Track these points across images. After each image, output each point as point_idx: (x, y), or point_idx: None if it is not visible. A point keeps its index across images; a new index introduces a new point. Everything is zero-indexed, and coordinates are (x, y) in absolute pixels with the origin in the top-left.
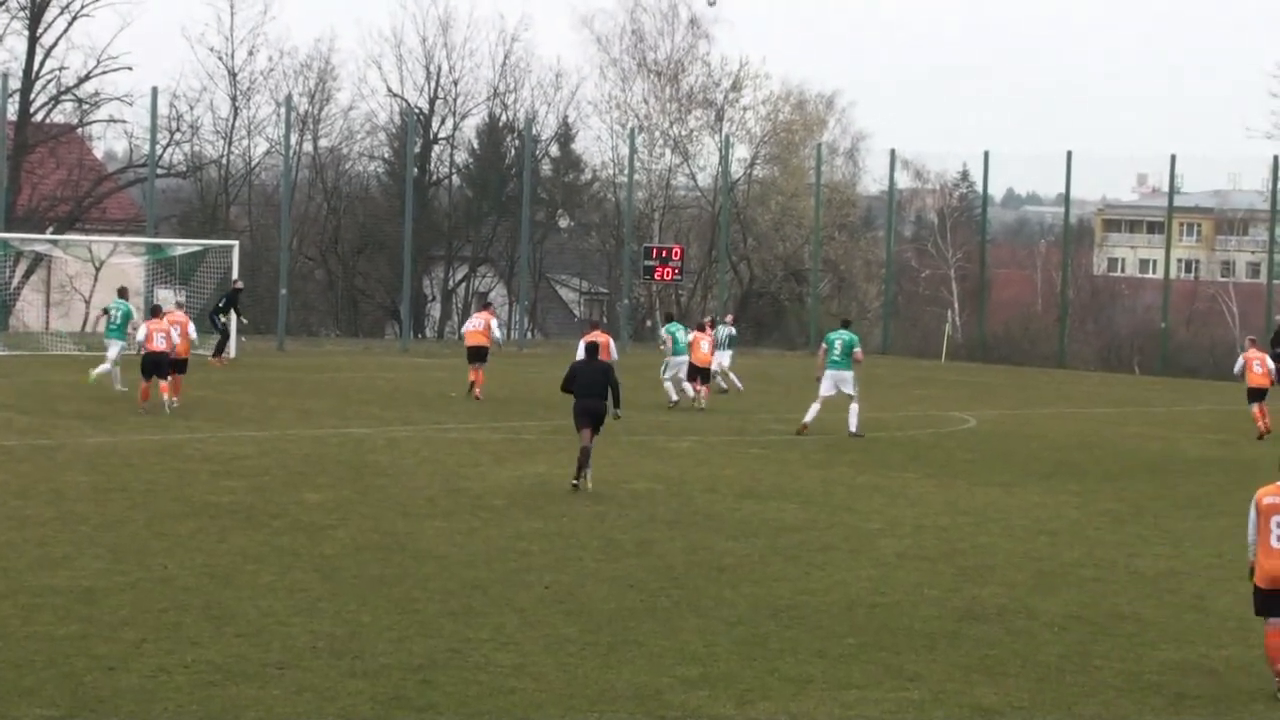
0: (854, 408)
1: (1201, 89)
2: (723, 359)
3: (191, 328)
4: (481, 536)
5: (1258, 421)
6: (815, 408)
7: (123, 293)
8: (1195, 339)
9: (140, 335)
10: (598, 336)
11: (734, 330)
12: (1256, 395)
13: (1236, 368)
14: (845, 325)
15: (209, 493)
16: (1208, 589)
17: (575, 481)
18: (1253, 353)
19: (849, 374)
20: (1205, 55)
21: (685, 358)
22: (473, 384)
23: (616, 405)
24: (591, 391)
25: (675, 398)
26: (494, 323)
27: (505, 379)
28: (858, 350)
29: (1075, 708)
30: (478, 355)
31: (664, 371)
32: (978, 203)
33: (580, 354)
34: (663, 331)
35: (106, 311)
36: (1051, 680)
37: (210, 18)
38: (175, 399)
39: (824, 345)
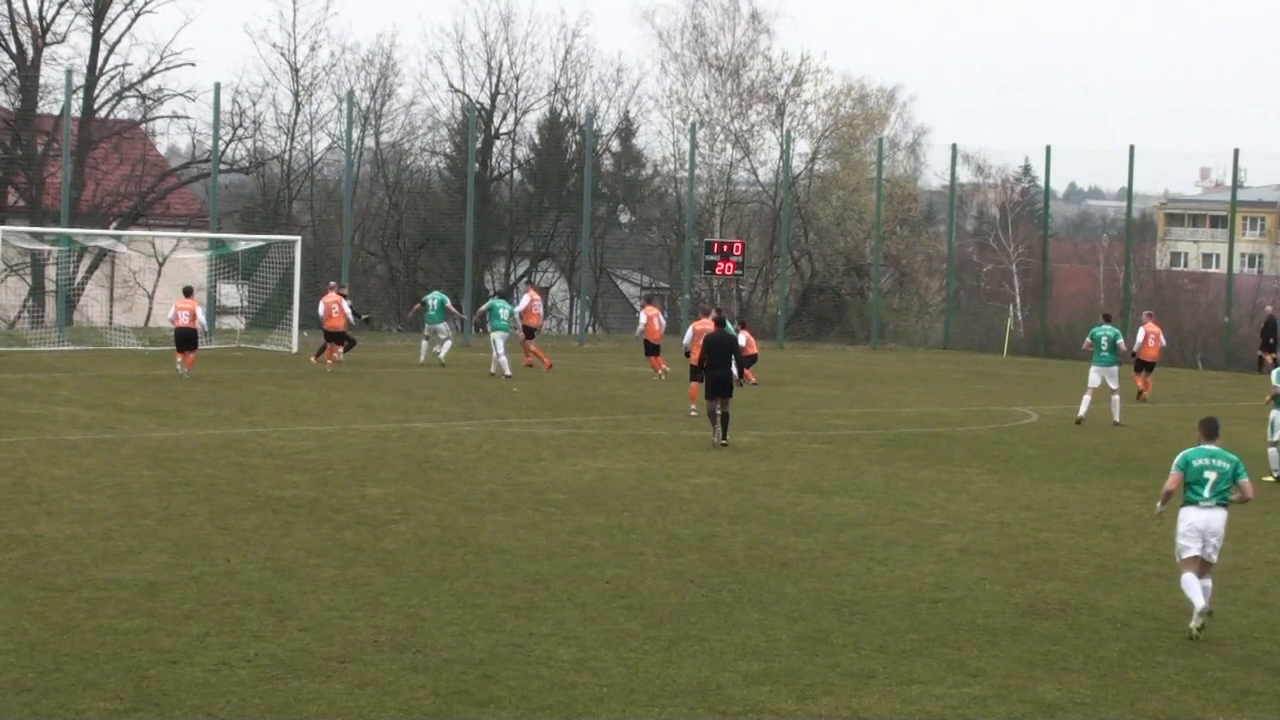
0: (1115, 399)
1: (1265, 82)
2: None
3: (347, 305)
4: (543, 531)
5: (1145, 390)
6: (1087, 399)
7: (436, 285)
8: (1259, 333)
9: (170, 314)
10: (700, 324)
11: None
12: (1147, 367)
13: (1139, 339)
14: (1106, 320)
15: (272, 487)
16: (1272, 585)
17: (714, 439)
18: (1151, 326)
19: (1115, 368)
20: (1269, 49)
21: (503, 333)
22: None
23: (741, 374)
24: (716, 362)
25: (506, 372)
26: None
27: (567, 374)
28: (1121, 342)
29: (1138, 704)
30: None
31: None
32: (1039, 197)
33: (688, 336)
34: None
35: (424, 302)
36: (1114, 676)
37: (272, 13)
38: (330, 363)
39: (1089, 340)
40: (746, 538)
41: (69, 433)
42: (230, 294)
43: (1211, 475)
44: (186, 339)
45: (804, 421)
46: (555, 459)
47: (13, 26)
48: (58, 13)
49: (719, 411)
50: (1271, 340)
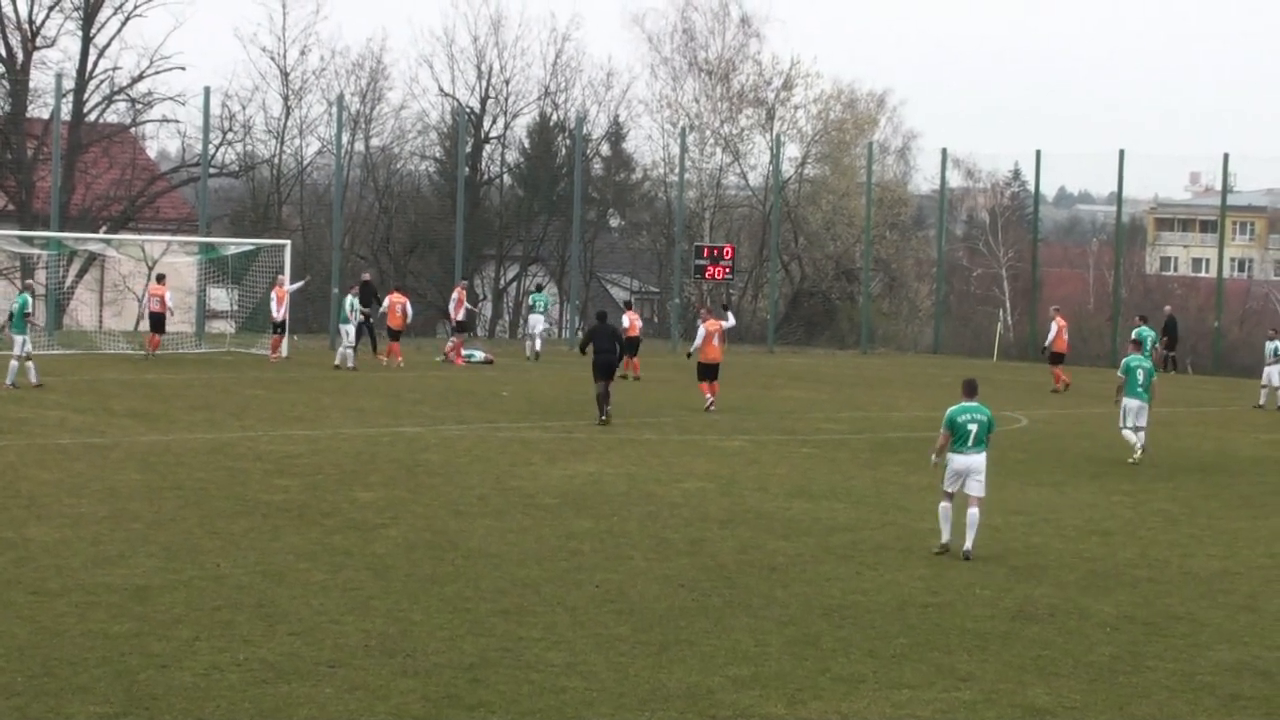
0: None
1: (1255, 87)
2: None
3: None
4: (533, 535)
5: (1060, 380)
6: None
7: (349, 288)
8: (1248, 338)
9: (144, 299)
10: (713, 324)
11: (544, 296)
12: (1060, 359)
13: (1052, 333)
14: (1144, 322)
15: (261, 491)
16: (1262, 589)
17: (604, 419)
18: (1061, 320)
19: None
20: (1258, 53)
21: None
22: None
23: (619, 360)
24: (604, 347)
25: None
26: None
27: (556, 378)
28: (1157, 345)
29: (1128, 708)
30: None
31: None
32: (1029, 201)
33: (699, 336)
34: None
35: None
36: (1104, 680)
37: (262, 17)
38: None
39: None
40: (736, 542)
41: (58, 437)
42: (220, 298)
43: (973, 427)
44: (156, 321)
45: (794, 426)
46: (545, 463)
47: (2, 30)
48: (47, 16)
49: (605, 391)
50: (1165, 339)
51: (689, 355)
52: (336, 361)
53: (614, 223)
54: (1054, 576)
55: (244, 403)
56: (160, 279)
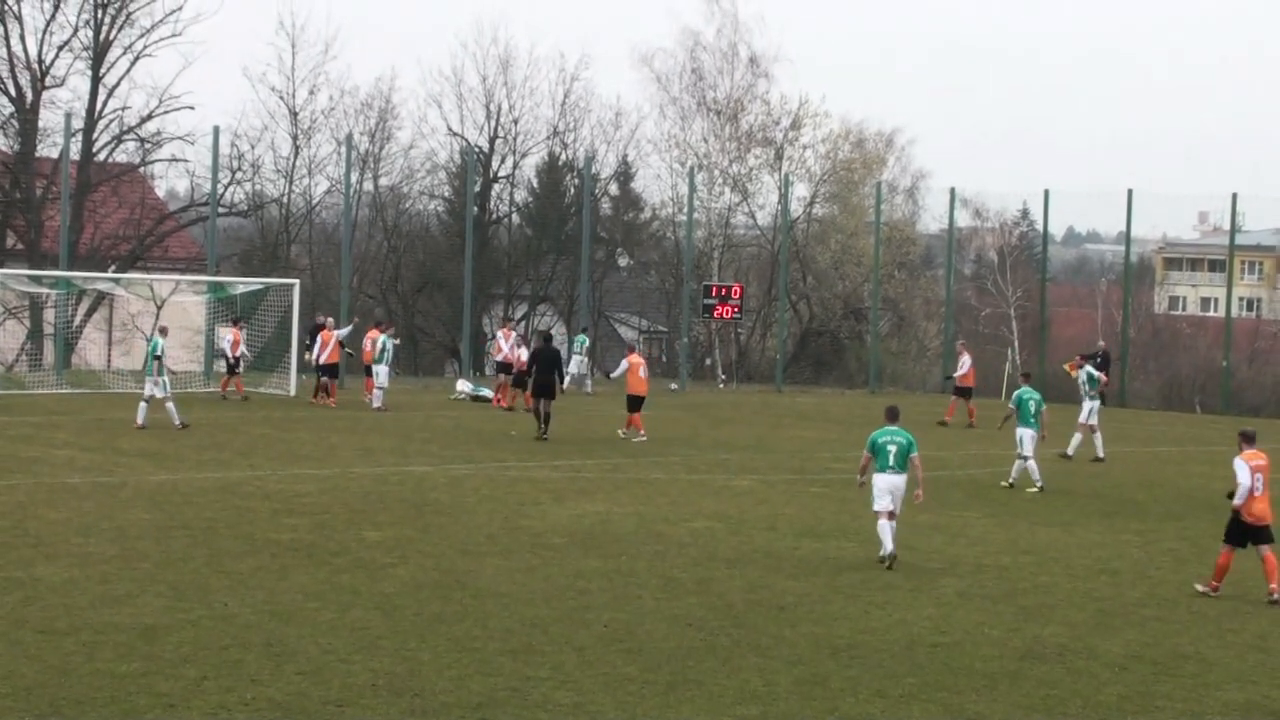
0: (1097, 436)
1: (1263, 126)
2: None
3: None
4: (541, 575)
5: (969, 415)
6: (1079, 437)
7: (383, 326)
8: (1257, 378)
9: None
10: (636, 358)
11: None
12: (967, 393)
13: (963, 367)
14: (1090, 359)
15: (270, 530)
16: (1271, 629)
17: (543, 436)
18: (967, 356)
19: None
20: (1267, 92)
21: None
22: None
23: (561, 381)
24: (546, 369)
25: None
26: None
27: (564, 418)
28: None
29: None
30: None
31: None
32: (1038, 241)
33: (623, 367)
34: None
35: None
36: None
37: (272, 57)
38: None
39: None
40: (744, 581)
41: (67, 476)
42: (228, 337)
43: (893, 448)
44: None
45: (802, 465)
46: (553, 502)
47: (12, 70)
48: (57, 56)
49: (544, 410)
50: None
51: (609, 376)
52: (377, 404)
53: (622, 262)
54: (1063, 616)
55: (252, 442)
56: (235, 321)
